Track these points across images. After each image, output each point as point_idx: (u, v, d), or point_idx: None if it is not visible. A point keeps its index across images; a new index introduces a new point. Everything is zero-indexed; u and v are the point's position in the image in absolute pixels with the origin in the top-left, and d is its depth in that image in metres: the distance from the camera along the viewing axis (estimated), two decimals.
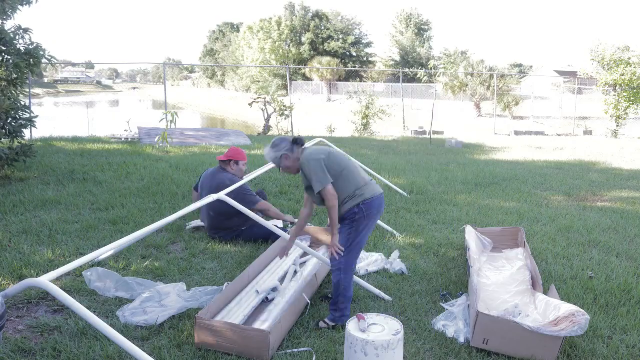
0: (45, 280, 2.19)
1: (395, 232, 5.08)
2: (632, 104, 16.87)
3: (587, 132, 18.17)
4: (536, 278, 3.67)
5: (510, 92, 25.66)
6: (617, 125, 17.25)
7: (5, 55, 6.57)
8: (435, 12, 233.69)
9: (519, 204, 6.44)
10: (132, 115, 14.69)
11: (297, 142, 3.24)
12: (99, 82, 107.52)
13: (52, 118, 18.04)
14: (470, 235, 4.41)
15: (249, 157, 8.88)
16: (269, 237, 4.66)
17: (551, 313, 2.99)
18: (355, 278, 3.71)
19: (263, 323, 3.10)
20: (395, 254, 4.28)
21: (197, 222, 5.11)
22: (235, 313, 3.21)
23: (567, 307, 2.91)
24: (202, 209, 4.73)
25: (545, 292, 3.48)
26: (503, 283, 3.72)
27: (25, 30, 6.68)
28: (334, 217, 3.08)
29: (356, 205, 3.09)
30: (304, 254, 4.36)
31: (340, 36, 48.61)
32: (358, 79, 45.20)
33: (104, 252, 2.66)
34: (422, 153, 11.20)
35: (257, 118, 19.35)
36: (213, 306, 3.12)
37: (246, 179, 5.04)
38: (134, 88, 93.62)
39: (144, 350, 2.46)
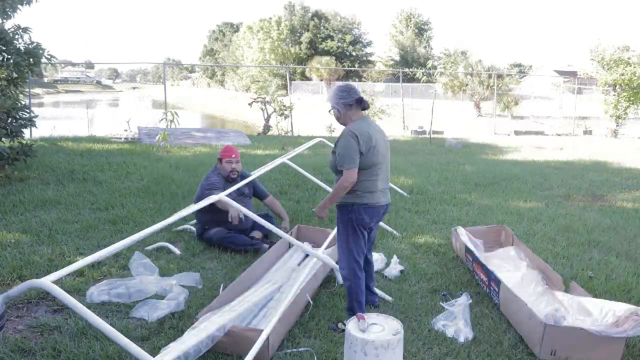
0: (48, 282, 2.19)
1: (395, 232, 5.08)
2: (632, 104, 16.83)
3: (587, 132, 18.14)
4: (552, 276, 3.64)
5: (510, 92, 25.63)
6: (617, 125, 17.24)
7: (6, 55, 6.57)
8: (435, 12, 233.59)
9: (519, 204, 6.45)
10: (132, 115, 14.66)
11: (360, 102, 3.24)
12: (99, 82, 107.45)
13: (52, 118, 18.03)
14: (464, 237, 4.32)
15: (249, 157, 8.91)
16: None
17: (607, 315, 2.98)
18: None
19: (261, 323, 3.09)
20: (395, 260, 4.22)
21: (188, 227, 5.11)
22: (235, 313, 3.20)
23: (625, 307, 2.92)
24: None
25: (566, 290, 3.48)
26: (518, 285, 3.60)
27: (25, 29, 6.68)
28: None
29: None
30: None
31: (339, 36, 48.59)
32: (357, 79, 45.15)
33: (106, 253, 2.66)
34: (422, 153, 11.19)
35: (257, 118, 19.32)
36: (213, 307, 3.12)
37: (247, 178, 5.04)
38: (134, 88, 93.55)
39: (144, 350, 2.45)
